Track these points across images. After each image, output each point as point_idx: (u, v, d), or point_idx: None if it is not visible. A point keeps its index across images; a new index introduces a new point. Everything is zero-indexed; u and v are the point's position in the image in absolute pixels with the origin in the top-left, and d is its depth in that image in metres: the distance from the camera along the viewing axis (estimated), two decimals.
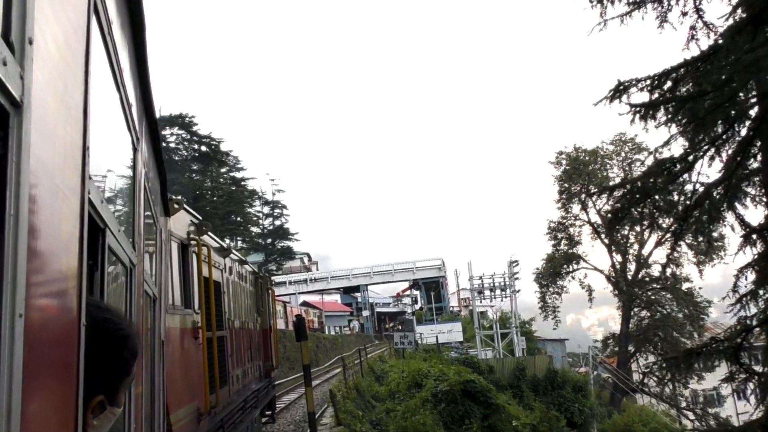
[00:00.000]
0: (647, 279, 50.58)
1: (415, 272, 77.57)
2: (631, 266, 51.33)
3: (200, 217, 8.92)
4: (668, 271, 49.52)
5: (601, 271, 52.26)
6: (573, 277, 52.02)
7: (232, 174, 56.20)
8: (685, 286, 48.57)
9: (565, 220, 53.90)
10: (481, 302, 57.21)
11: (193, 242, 8.22)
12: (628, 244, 51.56)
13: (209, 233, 9.49)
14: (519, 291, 55.02)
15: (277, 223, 62.93)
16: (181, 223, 7.73)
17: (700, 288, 48.17)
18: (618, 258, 51.68)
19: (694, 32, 14.88)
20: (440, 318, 72.19)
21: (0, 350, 1.02)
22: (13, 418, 1.04)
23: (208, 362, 8.21)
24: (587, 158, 52.11)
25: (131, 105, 2.73)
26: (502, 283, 55.34)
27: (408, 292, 78.50)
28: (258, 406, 13.49)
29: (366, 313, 78.37)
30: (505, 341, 53.55)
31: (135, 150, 2.97)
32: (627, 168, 51.91)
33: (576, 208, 53.24)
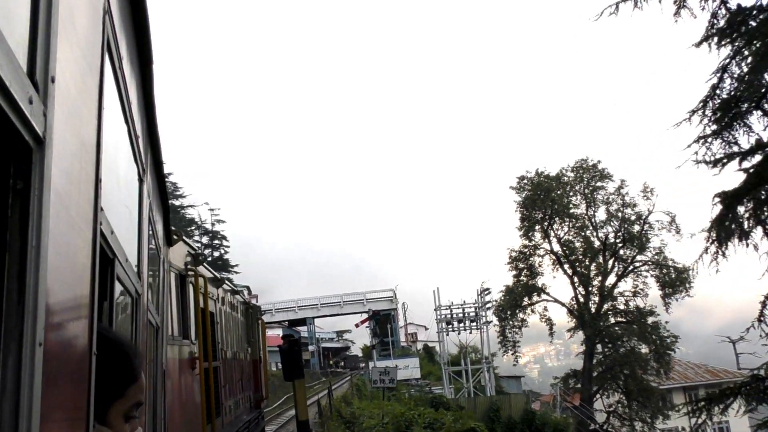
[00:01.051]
0: (611, 311, 47.93)
1: (366, 304, 71.41)
2: (594, 299, 48.33)
3: (195, 248, 8.96)
4: (632, 303, 47.04)
5: (563, 304, 49.29)
6: (533, 310, 48.83)
7: (170, 201, 54.77)
8: (650, 320, 45.70)
9: (526, 249, 50.86)
10: (448, 334, 51.99)
11: (190, 273, 8.24)
12: (591, 276, 48.77)
13: (204, 264, 9.53)
14: (491, 322, 50.48)
15: (216, 254, 61.52)
16: (179, 253, 7.75)
17: (666, 322, 45.42)
18: (581, 290, 48.57)
19: (716, 21, 14.23)
20: (392, 353, 65.46)
21: (21, 378, 1.05)
22: None
23: (205, 393, 8.20)
24: (551, 184, 49.30)
25: (138, 137, 2.78)
26: (472, 313, 51.06)
27: (367, 324, 69.94)
28: None
29: (312, 347, 71.88)
30: (475, 378, 49.51)
31: (141, 181, 3.02)
32: (590, 196, 49.50)
33: (538, 236, 50.30)
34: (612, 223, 48.36)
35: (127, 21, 2.43)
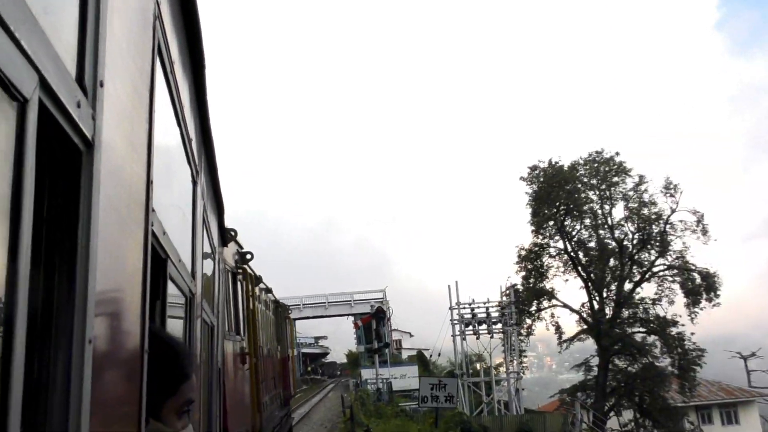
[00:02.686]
0: (629, 320, 42.45)
1: (353, 305, 63.71)
2: (609, 305, 43.26)
3: (242, 246, 9.13)
4: (651, 311, 41.39)
5: (575, 311, 43.50)
6: (541, 317, 43.09)
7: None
8: (673, 330, 40.51)
9: (536, 247, 45.29)
10: (464, 338, 43.44)
11: (239, 271, 8.44)
12: (607, 280, 43.35)
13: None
14: (516, 324, 43.31)
15: None
16: (229, 251, 7.93)
17: (692, 333, 40.10)
18: (596, 296, 43.32)
19: None
20: (388, 360, 58.90)
21: (71, 374, 1.08)
22: None
23: (255, 387, 8.41)
24: (566, 175, 43.80)
25: (191, 140, 2.84)
26: (496, 315, 43.00)
27: (355, 328, 59.57)
28: None
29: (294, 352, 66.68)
30: (499, 394, 41.92)
31: (194, 183, 3.09)
32: (606, 192, 44.00)
33: (550, 233, 44.75)
34: (629, 223, 43.13)
35: (179, 25, 2.48)
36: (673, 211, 41.71)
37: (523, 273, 44.68)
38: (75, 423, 1.08)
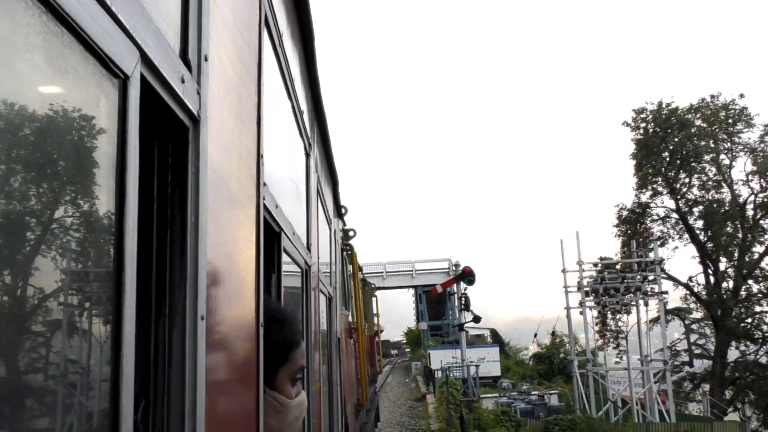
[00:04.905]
0: (758, 296, 34.89)
1: (415, 276, 56.17)
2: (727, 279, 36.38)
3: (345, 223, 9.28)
4: None
5: (685, 285, 36.18)
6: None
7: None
8: None
9: (640, 209, 38.21)
10: (591, 310, 30.50)
11: (347, 246, 8.59)
12: (729, 248, 35.96)
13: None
14: (667, 294, 32.32)
15: None
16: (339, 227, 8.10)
17: None
18: (711, 268, 36.45)
19: None
20: (448, 340, 50.57)
21: (185, 351, 1.09)
22: (198, 412, 1.10)
23: (362, 361, 8.61)
24: (682, 118, 36.12)
25: (302, 112, 2.84)
26: (637, 278, 29.42)
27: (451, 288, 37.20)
28: (373, 408, 13.78)
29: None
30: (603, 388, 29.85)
31: (307, 155, 3.10)
32: (726, 142, 36.67)
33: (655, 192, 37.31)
34: (756, 180, 36.03)
35: None
36: None
37: (623, 238, 38.22)
38: (191, 397, 1.09)
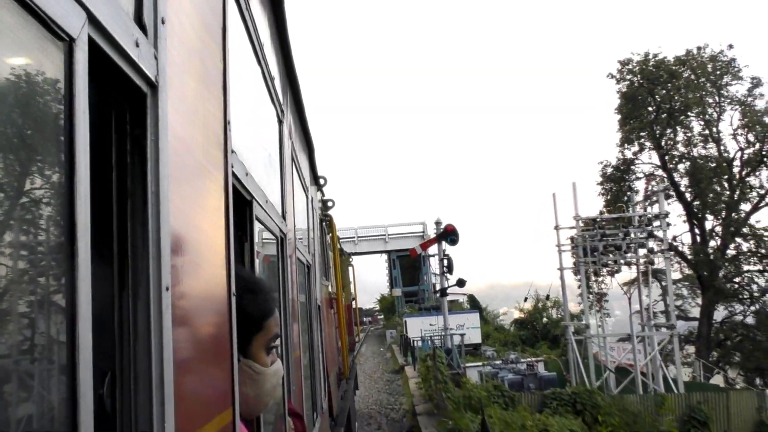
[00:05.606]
0: (745, 255, 34.03)
1: (387, 241, 54.27)
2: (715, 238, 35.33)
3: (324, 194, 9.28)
4: None
5: (671, 245, 31.10)
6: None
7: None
8: None
9: (624, 165, 37.04)
10: (588, 274, 26.87)
11: (326, 216, 8.60)
12: (716, 207, 34.74)
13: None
14: (672, 252, 30.46)
15: None
16: (317, 197, 8.10)
17: None
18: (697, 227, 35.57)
19: None
20: (418, 305, 48.89)
21: (150, 322, 1.07)
22: (166, 384, 1.09)
23: (343, 331, 8.71)
24: (671, 68, 34.52)
25: (274, 78, 2.79)
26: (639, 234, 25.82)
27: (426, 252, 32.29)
28: (351, 377, 13.94)
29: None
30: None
31: (280, 122, 3.05)
32: (715, 96, 35.09)
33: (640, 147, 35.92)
34: (744, 135, 34.94)
35: None
36: None
37: (607, 196, 36.83)
38: (158, 369, 1.08)
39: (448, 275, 26.34)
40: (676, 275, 35.51)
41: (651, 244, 26.38)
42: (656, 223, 26.11)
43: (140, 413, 1.06)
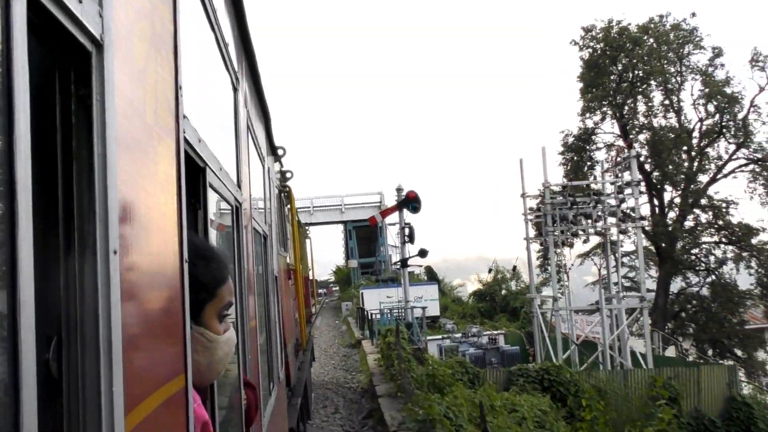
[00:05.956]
0: (703, 227, 34.49)
1: (344, 211, 53.38)
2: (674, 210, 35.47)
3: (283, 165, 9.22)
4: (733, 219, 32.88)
5: (627, 215, 28.64)
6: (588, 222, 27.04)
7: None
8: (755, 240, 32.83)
9: (585, 135, 36.51)
10: (557, 243, 26.26)
11: (285, 187, 8.56)
12: (676, 179, 34.61)
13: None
14: (645, 220, 30.83)
15: None
16: (275, 168, 8.04)
17: None
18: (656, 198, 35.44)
19: None
20: (375, 277, 48.27)
21: (98, 286, 1.05)
22: (114, 348, 1.08)
23: (302, 302, 8.76)
24: (635, 36, 34.30)
25: (228, 44, 2.74)
26: (612, 203, 25.46)
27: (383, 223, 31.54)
28: (308, 348, 13.91)
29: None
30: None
31: (235, 90, 3.01)
32: (678, 63, 34.97)
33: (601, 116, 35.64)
34: (705, 105, 34.83)
35: None
36: (761, 89, 33.72)
37: (567, 167, 36.55)
38: (106, 333, 1.06)
39: (410, 245, 24.67)
40: (631, 247, 34.94)
41: (620, 212, 25.75)
42: (627, 191, 25.42)
43: (87, 378, 1.04)
